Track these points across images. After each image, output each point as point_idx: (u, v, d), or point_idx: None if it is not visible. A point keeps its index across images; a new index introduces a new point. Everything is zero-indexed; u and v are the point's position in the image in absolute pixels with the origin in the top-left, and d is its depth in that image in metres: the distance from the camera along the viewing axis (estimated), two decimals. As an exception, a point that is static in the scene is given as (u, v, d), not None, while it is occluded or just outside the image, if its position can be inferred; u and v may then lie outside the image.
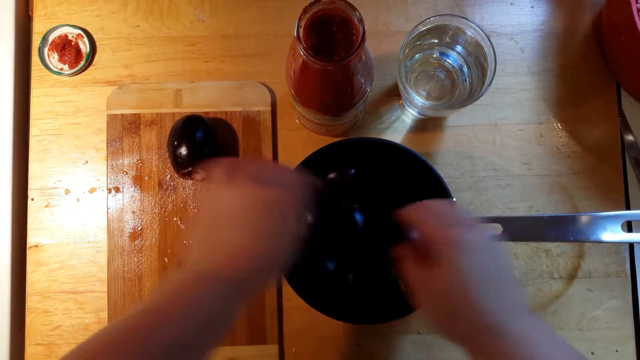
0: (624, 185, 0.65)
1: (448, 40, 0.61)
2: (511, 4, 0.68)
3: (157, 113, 0.64)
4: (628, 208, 0.64)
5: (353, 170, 0.56)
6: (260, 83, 0.65)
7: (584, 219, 0.54)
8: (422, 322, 0.62)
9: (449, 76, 0.63)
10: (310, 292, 0.53)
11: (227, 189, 0.42)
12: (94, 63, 0.66)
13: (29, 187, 0.63)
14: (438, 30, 0.60)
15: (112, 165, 0.63)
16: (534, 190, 0.64)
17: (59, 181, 0.63)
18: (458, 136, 0.65)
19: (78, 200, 0.63)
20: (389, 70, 0.66)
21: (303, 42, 0.44)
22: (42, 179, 0.63)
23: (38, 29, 0.66)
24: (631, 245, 0.63)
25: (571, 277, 0.63)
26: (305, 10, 0.44)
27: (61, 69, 0.65)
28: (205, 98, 0.64)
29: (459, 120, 0.65)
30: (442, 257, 0.41)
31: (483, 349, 0.39)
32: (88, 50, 0.65)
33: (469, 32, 0.58)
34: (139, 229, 0.62)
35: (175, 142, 0.59)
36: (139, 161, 0.63)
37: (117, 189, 0.63)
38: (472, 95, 0.60)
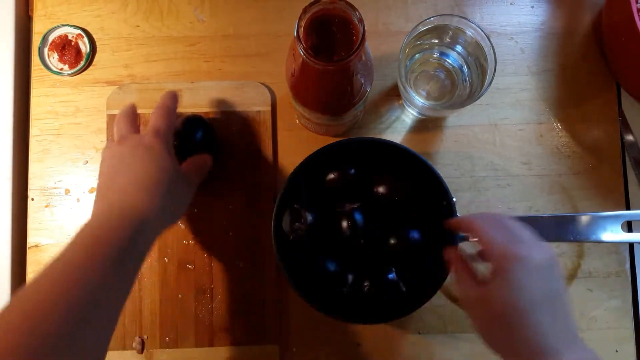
0: (624, 185, 0.65)
1: (448, 40, 0.61)
2: (511, 4, 0.68)
3: (157, 113, 0.64)
4: (628, 208, 0.64)
5: (353, 170, 0.56)
6: (260, 83, 0.65)
7: (584, 219, 0.54)
8: (422, 322, 0.62)
9: (449, 76, 0.63)
10: (310, 292, 0.53)
11: (117, 146, 0.51)
12: (94, 63, 0.66)
13: (29, 187, 0.63)
14: (438, 30, 0.60)
15: (112, 165, 0.63)
16: (534, 190, 0.64)
17: (59, 181, 0.63)
18: (458, 136, 0.65)
19: (78, 200, 0.63)
20: (389, 70, 0.66)
21: (303, 42, 0.44)
22: (42, 179, 0.63)
23: (38, 29, 0.66)
24: (631, 245, 0.63)
25: (571, 277, 0.63)
26: (305, 10, 0.44)
27: (61, 69, 0.65)
28: (205, 98, 0.64)
29: (459, 120, 0.65)
30: (502, 270, 0.41)
31: None
32: (88, 50, 0.65)
33: (469, 32, 0.58)
34: (139, 229, 0.62)
35: (175, 142, 0.59)
36: (139, 161, 0.63)
37: (117, 189, 0.63)
38: (472, 95, 0.60)
